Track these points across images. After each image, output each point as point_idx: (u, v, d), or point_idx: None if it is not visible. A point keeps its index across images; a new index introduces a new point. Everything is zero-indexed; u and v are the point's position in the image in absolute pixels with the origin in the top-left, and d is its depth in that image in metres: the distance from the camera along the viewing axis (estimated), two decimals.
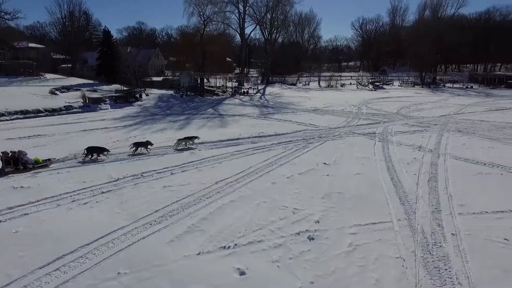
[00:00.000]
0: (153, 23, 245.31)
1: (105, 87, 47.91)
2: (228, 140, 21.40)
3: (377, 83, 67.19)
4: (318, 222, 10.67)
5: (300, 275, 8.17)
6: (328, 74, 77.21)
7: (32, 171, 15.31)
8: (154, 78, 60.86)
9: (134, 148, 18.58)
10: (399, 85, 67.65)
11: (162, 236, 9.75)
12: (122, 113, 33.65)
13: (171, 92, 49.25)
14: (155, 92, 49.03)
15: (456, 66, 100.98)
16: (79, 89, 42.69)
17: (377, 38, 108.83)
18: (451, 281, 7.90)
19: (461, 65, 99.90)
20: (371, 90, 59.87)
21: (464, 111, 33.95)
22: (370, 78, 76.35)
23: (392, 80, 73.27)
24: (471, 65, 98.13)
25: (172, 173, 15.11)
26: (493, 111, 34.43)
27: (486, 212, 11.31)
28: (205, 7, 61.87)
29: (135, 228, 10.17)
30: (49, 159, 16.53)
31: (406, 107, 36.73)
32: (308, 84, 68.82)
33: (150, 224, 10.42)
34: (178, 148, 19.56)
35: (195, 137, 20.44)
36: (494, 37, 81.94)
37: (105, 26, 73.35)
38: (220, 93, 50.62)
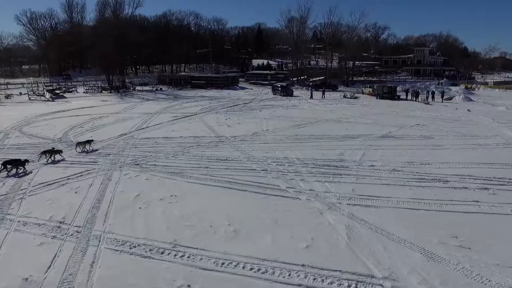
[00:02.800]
0: None
1: None
2: None
3: (57, 91, 54.66)
4: None
5: None
6: None
7: None
8: None
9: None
10: (84, 92, 57.48)
11: None
12: None
13: None
14: None
15: (146, 68, 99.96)
16: None
17: (55, 37, 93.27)
18: None
19: (151, 66, 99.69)
20: (48, 100, 47.28)
21: (150, 123, 27.86)
22: (50, 85, 62.55)
23: (76, 86, 62.02)
24: (160, 66, 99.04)
25: None
26: (180, 119, 30.08)
27: None
28: None
29: None
30: None
31: (80, 124, 27.21)
32: None
33: None
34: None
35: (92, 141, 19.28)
36: (174, 39, 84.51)
37: None
38: None
